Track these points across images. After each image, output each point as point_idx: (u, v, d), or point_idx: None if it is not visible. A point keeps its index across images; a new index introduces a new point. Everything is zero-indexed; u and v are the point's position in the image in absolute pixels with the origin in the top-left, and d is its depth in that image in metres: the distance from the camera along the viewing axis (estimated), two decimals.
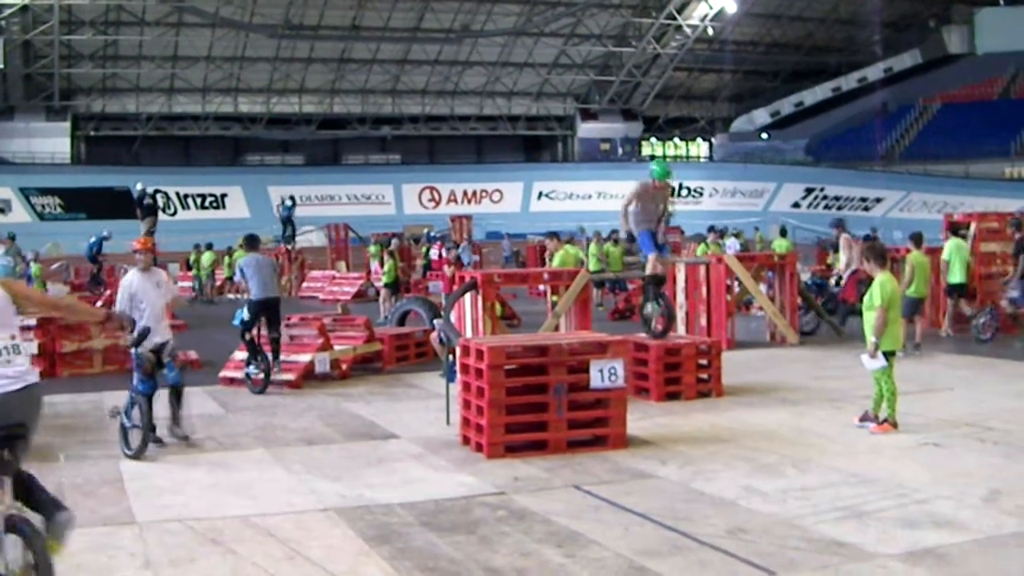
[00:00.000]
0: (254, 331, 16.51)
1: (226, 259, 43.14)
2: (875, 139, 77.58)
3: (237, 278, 17.69)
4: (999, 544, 7.97)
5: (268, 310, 16.72)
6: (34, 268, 33.47)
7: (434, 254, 42.27)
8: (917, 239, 19.69)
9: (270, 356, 16.57)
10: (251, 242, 18.36)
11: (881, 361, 12.04)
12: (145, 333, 11.56)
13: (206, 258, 40.32)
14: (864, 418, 12.25)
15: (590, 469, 10.60)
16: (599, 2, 73.76)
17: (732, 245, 29.70)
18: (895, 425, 11.99)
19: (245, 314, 16.41)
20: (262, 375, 16.32)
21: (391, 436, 12.67)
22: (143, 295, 12.39)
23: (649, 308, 16.15)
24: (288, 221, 43.51)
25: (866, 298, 12.48)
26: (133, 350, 12.31)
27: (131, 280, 12.64)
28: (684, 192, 77.90)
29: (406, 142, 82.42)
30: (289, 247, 42.52)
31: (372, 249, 43.52)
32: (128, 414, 11.87)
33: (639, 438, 11.89)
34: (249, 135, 78.91)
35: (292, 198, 46.26)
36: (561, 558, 7.84)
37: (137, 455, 11.57)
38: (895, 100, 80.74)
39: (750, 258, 22.64)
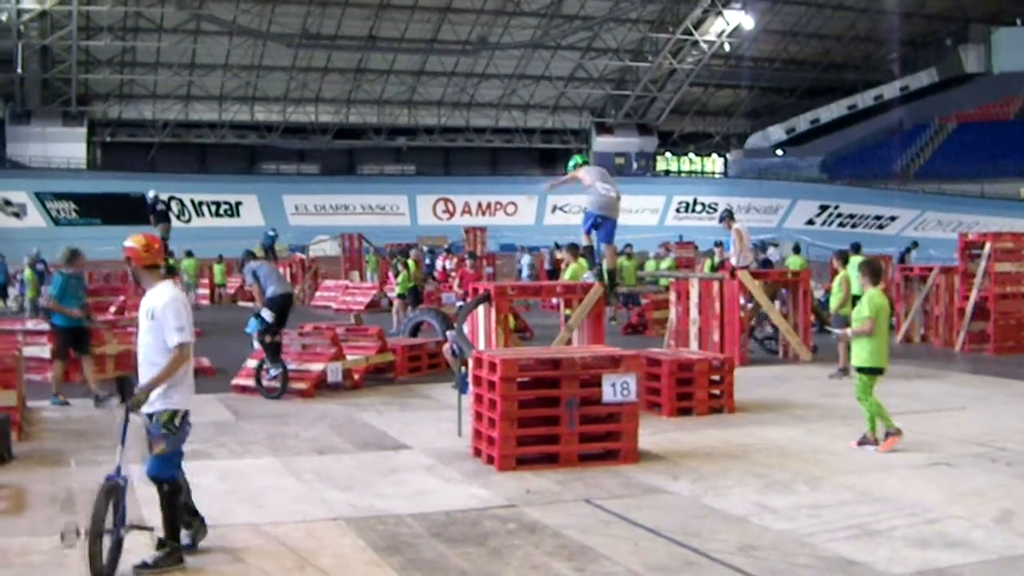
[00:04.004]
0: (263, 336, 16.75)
1: (216, 267, 43.55)
2: (891, 157, 77.60)
3: (250, 282, 17.77)
4: (1011, 565, 7.93)
5: (287, 307, 17.08)
6: (27, 273, 33.02)
7: (440, 265, 42.38)
8: (844, 256, 19.35)
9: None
10: (253, 256, 18.62)
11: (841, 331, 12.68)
12: (122, 385, 8.12)
13: (188, 265, 40.00)
14: (863, 441, 12.16)
15: (601, 483, 10.58)
16: (616, 17, 73.84)
17: (773, 255, 29.71)
18: (899, 432, 11.94)
19: (267, 315, 16.51)
20: (278, 383, 16.51)
21: (402, 447, 12.66)
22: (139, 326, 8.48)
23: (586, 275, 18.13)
24: (269, 250, 43.74)
25: (855, 311, 12.68)
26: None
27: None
28: (698, 208, 77.99)
29: (421, 153, 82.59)
30: None
31: (369, 258, 43.76)
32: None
33: (651, 453, 11.87)
34: (265, 143, 79.19)
35: (274, 230, 46.23)
36: (571, 572, 7.82)
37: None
38: (911, 118, 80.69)
39: (763, 275, 22.57)
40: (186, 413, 8.15)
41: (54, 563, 7.93)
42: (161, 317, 8.03)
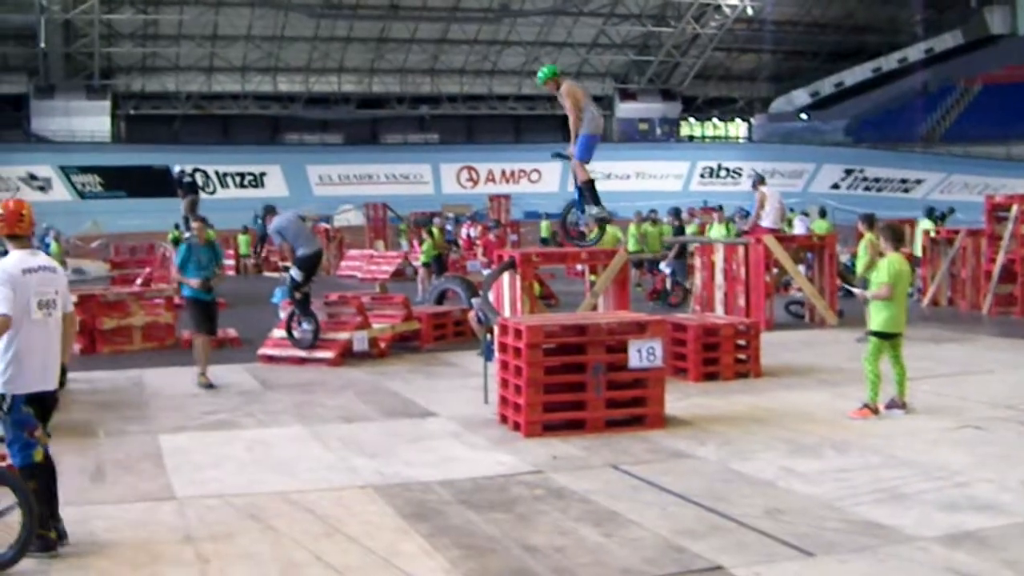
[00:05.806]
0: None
1: (241, 238, 43.26)
2: (916, 120, 76.99)
3: (277, 242, 17.80)
4: None
5: (316, 265, 17.21)
6: (53, 247, 33.10)
7: (464, 233, 42.28)
8: (870, 219, 18.85)
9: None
10: (273, 210, 18.47)
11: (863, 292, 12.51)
12: None
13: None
14: (891, 405, 12.08)
15: (628, 449, 10.59)
16: None
17: (802, 222, 29.67)
18: (877, 411, 11.88)
19: (295, 274, 16.59)
20: (310, 334, 16.74)
21: (429, 414, 12.69)
22: None
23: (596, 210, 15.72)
24: (262, 237, 43.40)
25: (873, 275, 12.53)
26: None
27: None
28: (723, 173, 77.69)
29: (444, 121, 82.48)
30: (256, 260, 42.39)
31: (402, 227, 43.76)
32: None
33: (677, 418, 11.86)
34: (288, 114, 79.23)
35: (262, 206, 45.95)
36: (599, 537, 7.83)
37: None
38: (936, 81, 80.00)
39: (789, 239, 22.47)
40: (15, 398, 7.48)
41: (81, 531, 7.96)
42: None
